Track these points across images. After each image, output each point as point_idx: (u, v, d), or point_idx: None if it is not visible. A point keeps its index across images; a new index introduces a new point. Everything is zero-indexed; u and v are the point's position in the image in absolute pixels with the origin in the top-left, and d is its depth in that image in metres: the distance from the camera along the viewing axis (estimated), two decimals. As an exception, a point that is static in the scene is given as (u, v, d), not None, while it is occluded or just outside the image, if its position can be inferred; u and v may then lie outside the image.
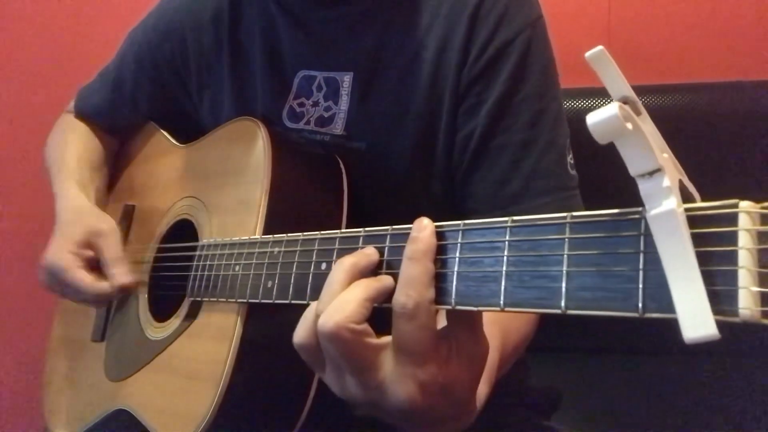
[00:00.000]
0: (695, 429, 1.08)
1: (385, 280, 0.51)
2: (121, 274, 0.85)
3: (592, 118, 0.35)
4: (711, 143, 1.24)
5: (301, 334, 0.53)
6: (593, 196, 0.77)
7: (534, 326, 0.78)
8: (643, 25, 1.43)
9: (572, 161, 0.78)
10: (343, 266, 0.51)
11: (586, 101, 1.26)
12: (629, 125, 0.34)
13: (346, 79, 0.83)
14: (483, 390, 0.55)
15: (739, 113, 1.27)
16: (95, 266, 0.88)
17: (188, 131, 0.97)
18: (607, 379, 1.21)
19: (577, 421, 1.00)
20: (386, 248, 0.52)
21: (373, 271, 0.52)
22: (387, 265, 0.52)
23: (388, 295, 0.50)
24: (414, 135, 0.80)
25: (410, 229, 0.52)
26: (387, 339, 0.49)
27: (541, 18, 0.81)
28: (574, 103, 1.26)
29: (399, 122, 0.81)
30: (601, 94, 1.25)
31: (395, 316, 0.47)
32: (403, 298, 0.46)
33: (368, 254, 0.52)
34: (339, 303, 0.49)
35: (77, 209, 0.93)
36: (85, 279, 0.85)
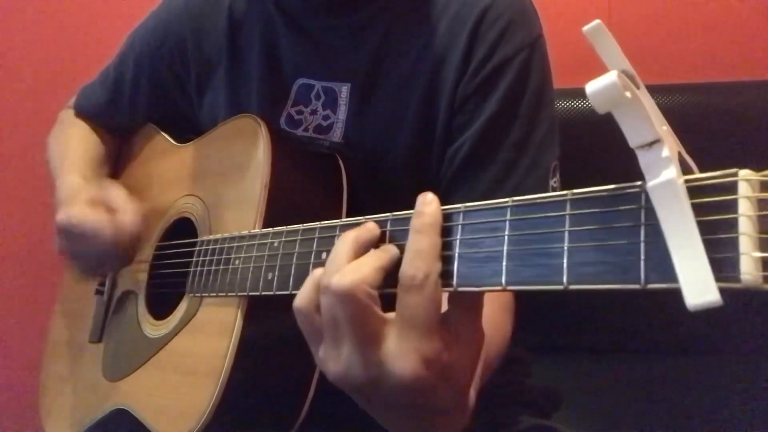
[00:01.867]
0: (696, 429, 1.07)
1: (392, 250, 0.50)
2: (132, 211, 0.84)
3: (591, 87, 0.35)
4: (711, 143, 1.23)
5: (303, 296, 0.51)
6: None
7: (511, 325, 0.77)
8: (643, 25, 1.44)
9: (557, 184, 0.78)
10: (346, 238, 0.51)
11: (585, 101, 1.26)
12: (628, 94, 0.34)
13: (344, 90, 0.83)
14: (471, 394, 0.53)
15: (739, 113, 1.27)
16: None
17: (187, 134, 0.97)
18: (607, 379, 1.21)
19: (577, 421, 1.00)
20: (388, 225, 0.52)
21: (376, 245, 0.51)
22: (389, 241, 0.52)
23: (396, 266, 0.48)
24: (409, 146, 0.80)
25: (410, 214, 0.52)
26: (392, 314, 0.48)
27: (541, 37, 0.80)
28: (574, 104, 1.26)
29: (395, 133, 0.81)
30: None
31: (402, 290, 0.46)
32: (411, 269, 0.45)
33: (370, 228, 0.52)
34: (355, 265, 0.48)
35: (77, 186, 0.91)
36: (104, 219, 0.82)
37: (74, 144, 1.03)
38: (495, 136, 0.76)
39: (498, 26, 0.78)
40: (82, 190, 0.88)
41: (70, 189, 0.91)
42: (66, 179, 0.94)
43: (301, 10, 0.86)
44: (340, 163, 0.81)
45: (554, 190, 0.77)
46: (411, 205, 0.81)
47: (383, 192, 0.82)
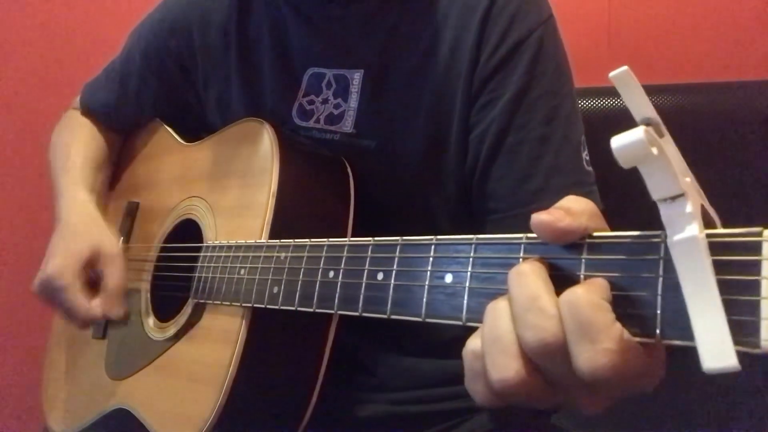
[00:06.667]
0: (696, 428, 1.08)
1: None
2: (115, 307, 0.84)
3: (617, 142, 0.34)
4: (710, 143, 1.24)
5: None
6: (602, 195, 0.77)
7: None
8: (643, 25, 1.43)
9: (587, 157, 0.78)
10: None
11: (586, 101, 1.26)
12: (654, 150, 0.34)
13: (356, 77, 0.82)
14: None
15: (739, 113, 1.27)
16: (93, 284, 0.86)
17: (193, 128, 0.96)
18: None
19: (577, 421, 1.00)
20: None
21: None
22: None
23: None
24: (425, 134, 0.80)
25: (420, 240, 0.51)
26: None
27: (552, 17, 0.80)
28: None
29: (410, 121, 0.80)
30: (602, 94, 1.25)
31: None
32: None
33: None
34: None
35: (86, 217, 0.91)
36: (82, 305, 0.83)
37: (76, 147, 1.01)
38: (522, 114, 0.76)
39: (510, 8, 0.78)
40: (85, 236, 0.87)
41: (77, 218, 0.91)
42: (73, 190, 0.94)
43: (309, 1, 0.85)
44: (348, 168, 0.81)
45: (587, 163, 0.77)
46: (425, 201, 0.82)
47: (397, 184, 0.82)
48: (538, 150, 0.75)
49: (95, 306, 0.83)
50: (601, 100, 1.25)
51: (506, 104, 0.76)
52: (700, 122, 1.26)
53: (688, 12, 1.42)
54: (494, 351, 0.41)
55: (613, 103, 1.25)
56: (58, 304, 0.84)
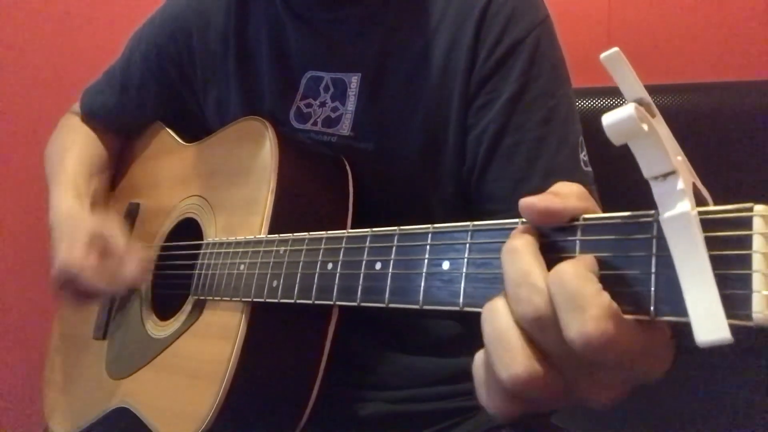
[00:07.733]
0: (695, 429, 1.07)
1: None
2: (129, 271, 0.83)
3: (607, 119, 0.35)
4: (711, 143, 1.23)
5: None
6: (602, 195, 0.77)
7: None
8: (643, 25, 1.43)
9: (586, 158, 0.78)
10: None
11: (586, 101, 1.26)
12: (645, 126, 0.34)
13: (354, 80, 0.83)
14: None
15: (739, 113, 1.26)
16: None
17: (194, 131, 0.97)
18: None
19: (577, 420, 1.00)
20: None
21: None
22: None
23: None
24: (423, 135, 0.80)
25: (417, 229, 0.52)
26: None
27: (548, 18, 0.81)
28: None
29: (407, 123, 0.81)
30: (602, 94, 1.25)
31: None
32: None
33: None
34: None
35: (73, 216, 0.91)
36: (102, 275, 0.82)
37: (70, 153, 1.02)
38: (519, 115, 0.76)
39: (505, 10, 0.78)
40: (80, 226, 0.86)
41: (66, 220, 0.90)
42: (60, 198, 0.94)
43: (307, 4, 0.86)
44: (347, 166, 0.81)
45: (585, 164, 0.77)
46: (423, 202, 0.82)
47: (395, 186, 0.82)
48: (535, 151, 0.76)
49: (114, 280, 0.83)
50: (602, 100, 1.25)
51: (503, 105, 0.76)
52: (700, 122, 1.26)
53: (688, 12, 1.43)
54: (499, 349, 0.40)
55: (614, 103, 1.25)
56: (80, 286, 0.82)
